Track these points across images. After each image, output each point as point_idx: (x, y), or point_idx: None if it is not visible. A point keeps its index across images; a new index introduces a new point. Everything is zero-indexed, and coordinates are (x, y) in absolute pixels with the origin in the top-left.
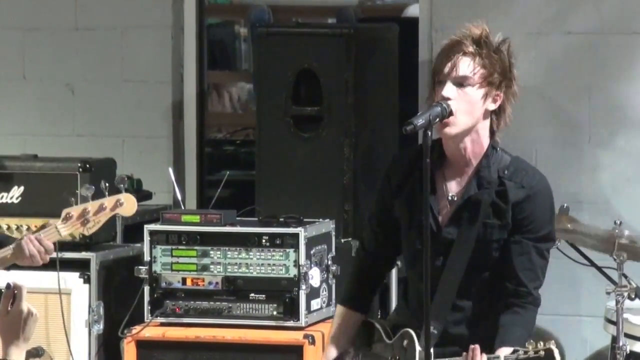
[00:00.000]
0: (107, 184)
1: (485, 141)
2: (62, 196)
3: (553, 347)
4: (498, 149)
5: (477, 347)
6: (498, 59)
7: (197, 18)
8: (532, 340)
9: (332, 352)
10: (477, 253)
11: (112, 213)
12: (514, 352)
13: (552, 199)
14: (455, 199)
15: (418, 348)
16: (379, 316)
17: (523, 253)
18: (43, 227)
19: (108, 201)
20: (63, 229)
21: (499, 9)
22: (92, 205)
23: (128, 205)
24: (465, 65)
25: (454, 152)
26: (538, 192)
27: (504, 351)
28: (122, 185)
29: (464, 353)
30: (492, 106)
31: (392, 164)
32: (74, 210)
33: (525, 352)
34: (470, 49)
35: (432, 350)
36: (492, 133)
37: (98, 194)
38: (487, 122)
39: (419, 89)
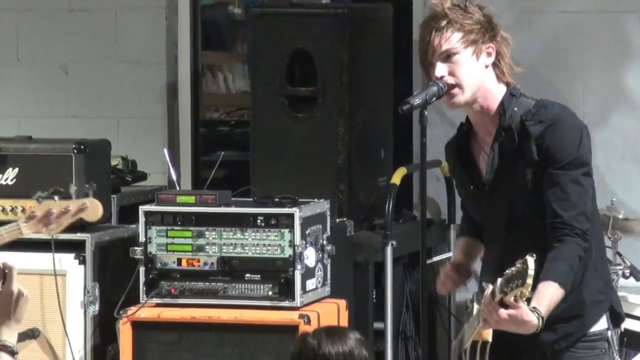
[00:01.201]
0: (74, 187)
1: (499, 92)
2: (31, 195)
3: (528, 257)
4: (519, 94)
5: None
6: (470, 14)
7: None
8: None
9: (458, 260)
10: (515, 199)
11: (75, 217)
12: (502, 275)
13: (576, 124)
14: (488, 154)
15: (476, 307)
16: (374, 296)
17: (554, 184)
18: (7, 223)
19: (73, 204)
20: (25, 227)
21: None
22: (56, 207)
23: (92, 210)
24: (441, 40)
25: (475, 116)
26: (557, 122)
27: (539, 296)
28: (90, 191)
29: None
30: (488, 60)
31: (446, 150)
32: (39, 210)
33: (512, 271)
34: (442, 23)
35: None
36: (503, 82)
37: (66, 196)
38: (492, 75)
39: (414, 68)
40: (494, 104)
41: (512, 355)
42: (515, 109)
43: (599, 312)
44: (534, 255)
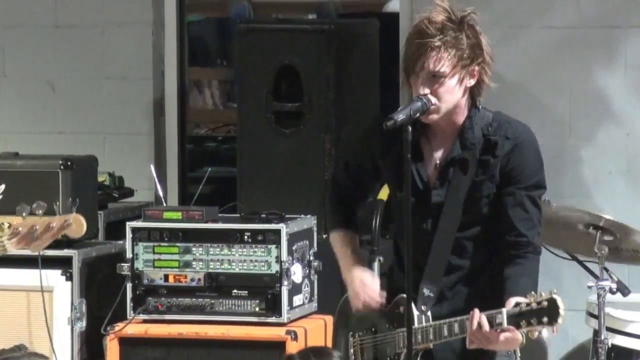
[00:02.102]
0: (58, 203)
1: (466, 107)
2: (16, 210)
3: (555, 295)
4: (480, 107)
5: (476, 310)
6: (464, 37)
7: (178, 15)
8: (533, 292)
9: (361, 266)
10: (467, 211)
11: (59, 233)
12: (516, 305)
13: (537, 146)
14: (440, 161)
15: (416, 312)
16: None
17: (517, 204)
18: None
19: (57, 221)
20: (9, 245)
21: (479, 3)
22: (40, 223)
23: (76, 226)
24: (435, 61)
25: (438, 122)
26: (524, 141)
27: (510, 302)
28: (74, 207)
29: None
30: (471, 82)
31: (374, 126)
32: (22, 227)
33: (528, 305)
34: (437, 42)
35: (429, 312)
36: (474, 100)
37: (50, 212)
38: (467, 94)
39: (400, 83)
40: (461, 117)
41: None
42: (477, 123)
43: None
44: (555, 291)
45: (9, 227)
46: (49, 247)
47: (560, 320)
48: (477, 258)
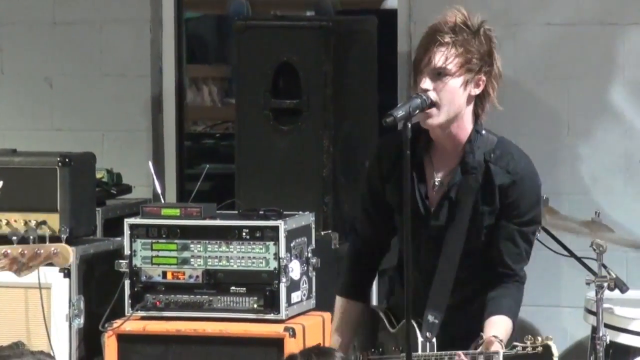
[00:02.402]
0: (49, 231)
1: (469, 126)
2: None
3: (550, 342)
4: (483, 131)
5: (492, 338)
6: (477, 43)
7: (175, 12)
8: (530, 336)
9: (337, 341)
10: (469, 239)
11: (46, 262)
12: (512, 347)
13: (539, 182)
14: (442, 184)
15: (420, 338)
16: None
17: (508, 238)
18: None
19: (44, 248)
20: None
21: (477, 0)
22: (28, 250)
23: (62, 255)
24: (441, 56)
25: (440, 138)
26: (524, 178)
27: (499, 328)
28: (63, 236)
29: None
30: (475, 91)
31: (380, 149)
32: (12, 250)
33: (524, 348)
34: (447, 38)
35: (434, 339)
36: (477, 116)
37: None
38: (471, 107)
39: (398, 80)
40: (463, 136)
41: None
42: (479, 147)
43: None
44: (551, 337)
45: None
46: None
47: None
48: (477, 284)
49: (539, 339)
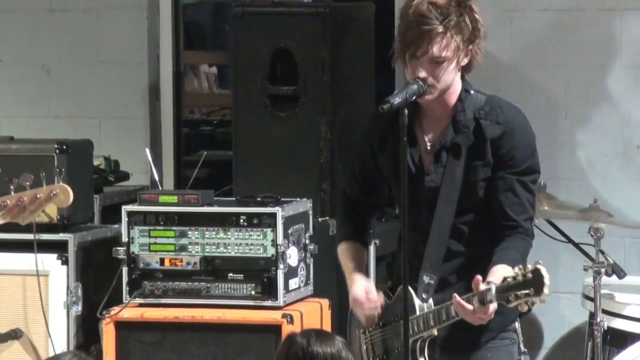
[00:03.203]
0: (44, 174)
1: (458, 87)
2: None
3: (540, 266)
4: (472, 91)
5: (459, 299)
6: (465, 21)
7: None
8: (520, 265)
9: (362, 280)
10: (464, 196)
11: (47, 204)
12: (503, 280)
13: (531, 130)
14: (434, 146)
15: (417, 301)
16: None
17: (507, 189)
18: None
19: (43, 191)
20: None
21: None
22: (27, 195)
23: (63, 195)
24: (439, 46)
25: (431, 104)
26: (515, 127)
27: (497, 274)
28: (58, 177)
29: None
30: (465, 60)
31: (372, 120)
32: (10, 199)
33: (514, 278)
34: (440, 27)
35: (430, 299)
36: (463, 77)
37: (37, 184)
38: (459, 73)
39: (396, 67)
40: (453, 98)
41: (445, 347)
42: (468, 106)
43: (514, 308)
44: (541, 262)
45: None
46: (45, 231)
47: (546, 290)
48: (477, 242)
49: (528, 266)
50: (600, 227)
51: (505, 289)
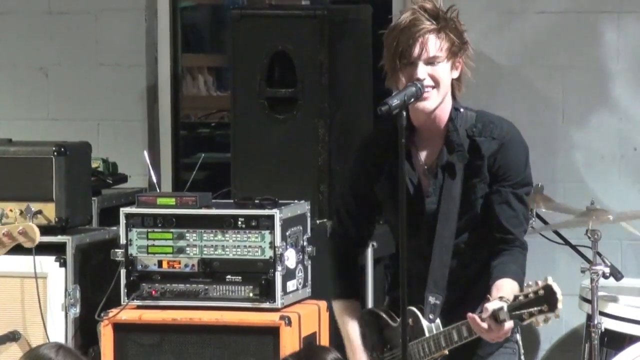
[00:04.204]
0: (32, 211)
1: (449, 106)
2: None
3: (550, 282)
4: (461, 109)
5: (472, 315)
6: (452, 27)
7: (171, 1)
8: (529, 282)
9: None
10: (463, 214)
11: (15, 241)
12: (514, 299)
13: (524, 143)
14: (430, 168)
15: (425, 322)
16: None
17: (503, 201)
18: None
19: (12, 228)
20: None
21: None
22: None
23: (29, 234)
24: (433, 44)
25: (425, 122)
26: (510, 140)
27: (504, 289)
28: (29, 215)
29: (469, 315)
30: (455, 74)
31: (364, 146)
32: None
33: (526, 296)
34: (432, 26)
35: (437, 320)
36: (454, 96)
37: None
38: (450, 88)
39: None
40: (445, 116)
41: None
42: (460, 124)
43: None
44: (550, 278)
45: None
46: (43, 233)
47: (559, 305)
48: (478, 260)
49: (538, 282)
50: (598, 230)
51: (518, 307)
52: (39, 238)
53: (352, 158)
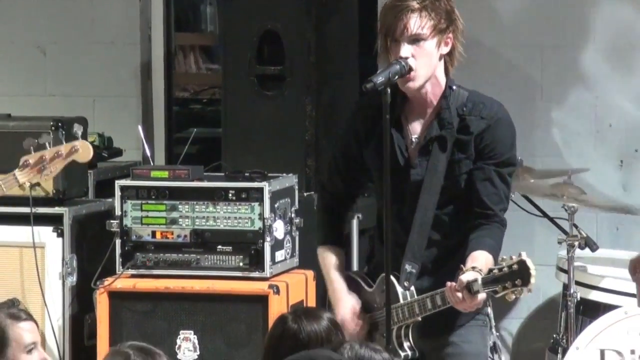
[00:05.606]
0: (63, 132)
1: (443, 81)
2: (23, 144)
3: (524, 257)
4: (454, 86)
5: (452, 285)
6: (441, 4)
7: None
8: (503, 257)
9: (348, 300)
10: (447, 188)
11: (68, 159)
12: (489, 272)
13: (512, 126)
14: (419, 140)
15: (399, 289)
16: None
17: (486, 178)
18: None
19: (64, 148)
20: (20, 176)
21: None
22: (48, 153)
23: (83, 151)
24: (415, 22)
25: (416, 95)
26: (498, 121)
27: (478, 261)
28: (77, 132)
29: (448, 284)
30: (445, 50)
31: (357, 112)
32: (31, 158)
33: (500, 269)
34: (416, 5)
35: (412, 287)
36: (447, 72)
37: (56, 142)
38: (442, 63)
39: (378, 51)
40: (437, 92)
41: (422, 331)
42: (452, 102)
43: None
44: (524, 253)
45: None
46: (41, 204)
47: (532, 280)
48: (457, 233)
49: (513, 257)
50: (574, 202)
51: (492, 281)
52: (91, 153)
53: (347, 120)
